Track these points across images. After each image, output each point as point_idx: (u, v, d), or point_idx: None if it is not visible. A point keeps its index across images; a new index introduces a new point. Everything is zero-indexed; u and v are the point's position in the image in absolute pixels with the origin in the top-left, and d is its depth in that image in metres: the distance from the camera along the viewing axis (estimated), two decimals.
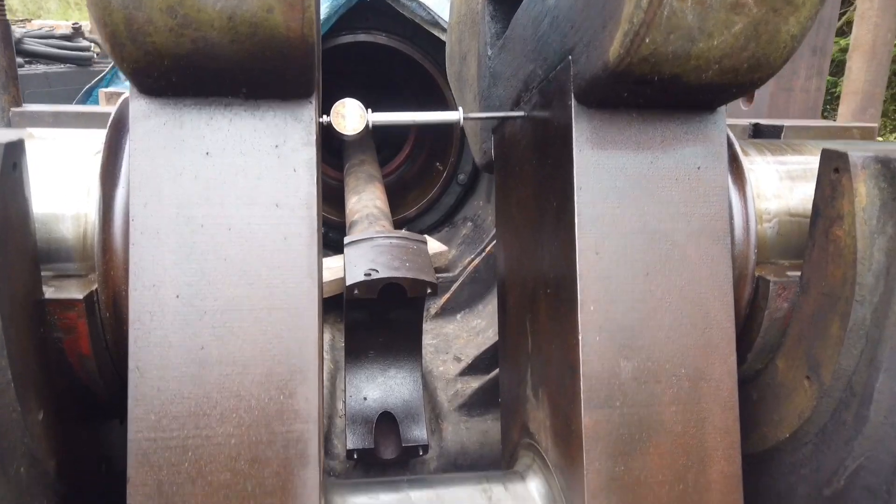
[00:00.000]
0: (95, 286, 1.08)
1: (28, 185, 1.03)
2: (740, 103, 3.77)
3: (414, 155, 4.83)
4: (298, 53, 0.96)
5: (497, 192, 1.83)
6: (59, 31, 7.01)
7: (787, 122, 1.76)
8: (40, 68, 6.02)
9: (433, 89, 3.93)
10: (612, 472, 1.10)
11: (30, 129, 1.32)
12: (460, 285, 3.43)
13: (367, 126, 1.33)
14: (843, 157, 1.10)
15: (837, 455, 1.19)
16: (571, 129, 1.14)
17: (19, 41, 5.96)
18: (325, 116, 1.27)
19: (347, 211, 3.56)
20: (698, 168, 1.17)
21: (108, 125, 1.16)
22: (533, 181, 1.37)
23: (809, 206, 1.22)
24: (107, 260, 1.09)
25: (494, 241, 3.26)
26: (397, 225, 4.00)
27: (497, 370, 2.63)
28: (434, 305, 3.47)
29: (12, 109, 1.56)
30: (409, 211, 4.09)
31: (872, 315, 1.10)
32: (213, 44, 0.92)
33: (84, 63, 6.71)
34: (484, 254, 3.47)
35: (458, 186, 4.29)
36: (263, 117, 1.07)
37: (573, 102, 1.14)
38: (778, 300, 1.22)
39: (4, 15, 1.54)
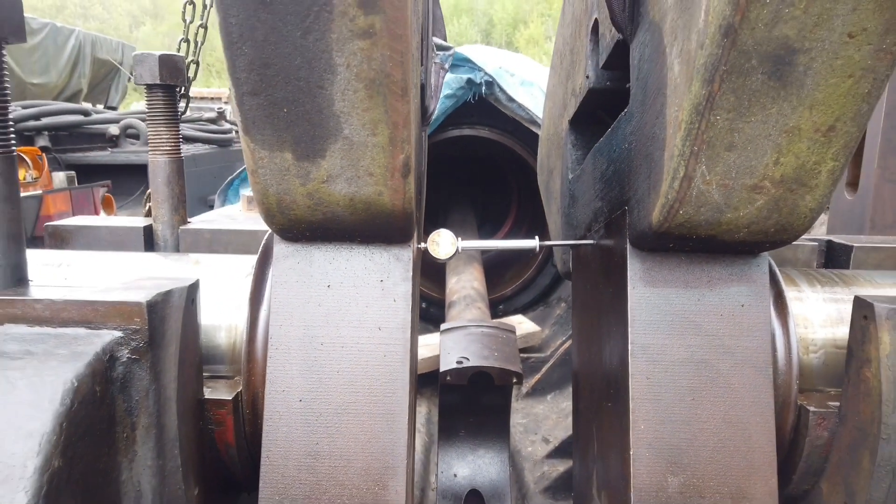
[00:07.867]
0: (240, 388, 1.39)
1: (200, 313, 1.37)
2: (845, 192, 3.75)
3: (513, 233, 5.07)
4: (400, 220, 1.25)
5: (573, 298, 2.03)
6: (205, 116, 8.00)
7: (860, 242, 1.86)
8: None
9: (531, 175, 4.20)
10: None
11: (195, 256, 1.69)
12: (551, 367, 3.58)
13: (457, 250, 1.60)
14: (870, 306, 1.23)
15: None
16: (627, 268, 1.34)
17: None
18: (423, 243, 1.55)
19: (447, 290, 3.82)
20: (742, 305, 1.33)
21: (258, 255, 1.49)
22: (599, 301, 1.57)
23: None
24: (250, 368, 1.40)
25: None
26: (494, 303, 4.22)
27: None
28: (525, 385, 3.63)
29: (181, 227, 1.97)
30: (506, 289, 4.31)
31: None
32: (338, 215, 1.23)
33: (225, 144, 7.60)
34: None
35: (553, 267, 4.49)
36: (372, 258, 1.36)
37: (628, 245, 1.35)
38: (817, 429, 1.33)
39: (179, 153, 1.96)
